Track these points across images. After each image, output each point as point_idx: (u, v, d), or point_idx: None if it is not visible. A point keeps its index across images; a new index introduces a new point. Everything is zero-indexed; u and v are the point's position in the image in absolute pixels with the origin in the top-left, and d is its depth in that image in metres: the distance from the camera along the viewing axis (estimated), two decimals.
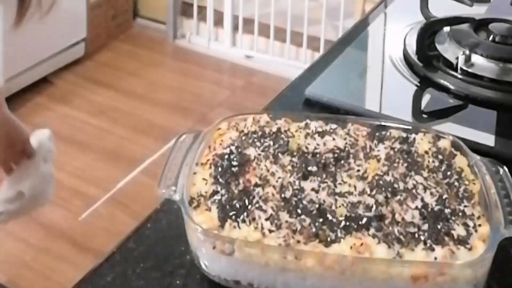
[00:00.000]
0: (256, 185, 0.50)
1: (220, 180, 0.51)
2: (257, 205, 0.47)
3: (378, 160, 0.54)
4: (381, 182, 0.51)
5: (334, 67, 0.78)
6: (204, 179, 0.51)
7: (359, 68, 0.79)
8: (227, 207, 0.47)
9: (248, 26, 2.25)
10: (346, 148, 0.56)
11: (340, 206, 0.47)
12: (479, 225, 0.46)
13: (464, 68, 0.72)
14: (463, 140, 0.56)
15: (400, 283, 0.43)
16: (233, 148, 0.55)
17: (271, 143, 0.56)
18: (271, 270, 0.44)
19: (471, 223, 0.46)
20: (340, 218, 0.46)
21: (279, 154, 0.54)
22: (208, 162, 0.54)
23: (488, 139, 0.63)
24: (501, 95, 0.70)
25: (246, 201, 0.48)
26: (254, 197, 0.48)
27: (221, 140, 0.57)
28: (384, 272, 0.42)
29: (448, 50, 0.75)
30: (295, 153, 0.54)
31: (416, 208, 0.48)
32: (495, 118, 0.69)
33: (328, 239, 0.44)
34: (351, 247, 0.43)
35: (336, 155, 0.54)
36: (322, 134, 0.58)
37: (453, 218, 0.47)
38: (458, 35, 0.77)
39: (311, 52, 2.21)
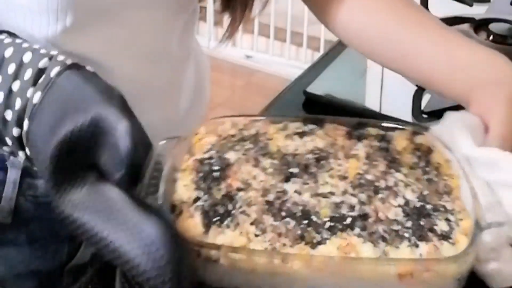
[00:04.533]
0: (239, 189, 0.50)
1: (202, 185, 0.50)
2: (240, 210, 0.47)
3: (358, 159, 0.54)
4: (362, 181, 0.51)
5: (334, 67, 0.77)
6: (185, 185, 0.51)
7: (359, 68, 0.79)
8: (211, 212, 0.47)
9: (248, 26, 2.24)
10: (326, 148, 0.56)
11: (323, 207, 0.47)
12: (461, 220, 0.47)
13: None
14: None
15: (387, 281, 0.43)
16: (213, 152, 0.55)
17: (251, 146, 0.56)
18: (257, 275, 0.44)
19: (452, 218, 0.47)
20: (325, 219, 0.46)
21: (260, 157, 0.54)
22: (188, 168, 0.53)
23: None
24: None
25: (230, 206, 0.47)
26: (237, 202, 0.48)
27: (200, 145, 0.57)
28: (371, 271, 0.42)
29: None
30: (275, 155, 0.54)
31: (399, 205, 0.48)
32: None
33: (314, 240, 0.44)
34: (338, 248, 0.43)
35: (316, 155, 0.54)
36: (301, 135, 0.58)
37: (435, 213, 0.47)
38: None
39: (311, 52, 2.21)
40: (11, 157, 0.65)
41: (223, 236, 0.45)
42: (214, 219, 0.46)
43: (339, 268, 0.43)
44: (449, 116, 0.57)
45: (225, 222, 0.46)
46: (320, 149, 0.56)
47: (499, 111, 0.54)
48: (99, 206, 0.40)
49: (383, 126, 0.61)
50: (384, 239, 0.44)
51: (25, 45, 0.43)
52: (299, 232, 0.45)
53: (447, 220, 0.47)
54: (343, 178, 0.51)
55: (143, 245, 0.36)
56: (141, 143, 0.37)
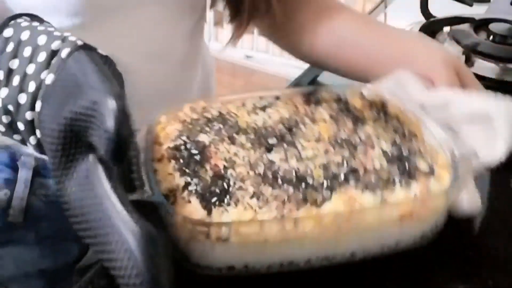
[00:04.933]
0: (225, 168, 0.49)
1: (187, 171, 0.49)
2: (236, 186, 0.46)
3: (326, 122, 0.56)
4: (338, 140, 0.52)
5: None
6: (169, 173, 0.49)
7: None
8: (207, 194, 0.46)
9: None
10: (292, 117, 0.57)
11: (315, 169, 0.48)
12: (436, 158, 0.50)
13: None
14: None
15: (390, 225, 0.45)
16: (184, 138, 0.53)
17: (221, 126, 0.55)
18: (269, 246, 0.44)
19: (428, 157, 0.50)
20: (320, 180, 0.47)
21: (234, 135, 0.53)
22: (164, 157, 0.51)
23: None
24: (501, 95, 0.71)
25: (224, 185, 0.46)
26: (229, 179, 0.47)
27: (166, 134, 0.55)
28: (375, 218, 0.44)
29: (448, 50, 0.74)
30: (248, 131, 0.54)
31: (379, 155, 0.50)
32: None
33: (318, 201, 0.45)
34: (343, 203, 0.44)
35: (286, 125, 0.55)
36: (263, 108, 0.59)
37: (412, 156, 0.50)
38: (458, 35, 0.75)
39: None
40: (22, 157, 0.64)
41: (228, 214, 0.44)
42: (213, 200, 0.45)
43: (347, 222, 0.44)
44: (393, 75, 0.60)
45: (225, 201, 0.45)
46: (287, 118, 0.57)
47: (439, 68, 0.59)
48: (88, 201, 0.39)
49: (334, 90, 0.63)
50: (379, 187, 0.47)
51: (40, 28, 0.42)
52: (301, 195, 0.45)
53: (424, 159, 0.50)
54: (319, 140, 0.53)
55: (124, 250, 0.36)
56: (126, 126, 0.37)
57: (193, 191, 0.46)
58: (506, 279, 0.48)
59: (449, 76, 0.59)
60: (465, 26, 0.81)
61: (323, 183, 0.47)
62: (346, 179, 0.47)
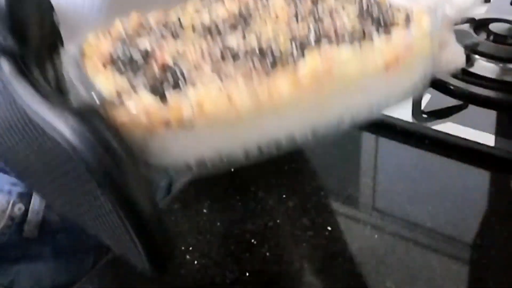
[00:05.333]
0: (175, 61, 0.41)
1: (129, 70, 0.41)
2: (191, 71, 0.39)
3: (281, 7, 0.49)
4: (299, 18, 0.46)
5: None
6: (107, 78, 0.40)
7: None
8: (158, 84, 0.38)
9: None
10: (243, 9, 0.50)
11: (280, 43, 0.41)
12: (411, 11, 0.44)
13: (464, 68, 0.70)
14: (463, 140, 0.56)
15: (376, 77, 0.38)
16: (119, 47, 0.45)
17: (163, 30, 0.47)
18: (243, 124, 0.36)
19: (402, 10, 0.44)
20: (288, 50, 0.40)
21: (178, 31, 0.46)
22: (98, 67, 0.43)
23: (488, 139, 0.61)
24: (501, 95, 0.69)
25: (177, 72, 0.39)
26: (181, 69, 0.40)
27: (97, 49, 0.46)
28: (360, 70, 0.37)
29: None
30: (194, 27, 0.46)
31: (349, 19, 0.44)
32: (495, 118, 0.67)
33: (289, 62, 0.38)
34: (319, 59, 0.37)
35: (237, 17, 0.48)
36: (207, 8, 0.51)
37: (384, 12, 0.44)
38: (458, 35, 0.73)
39: None
40: None
41: (187, 96, 0.36)
42: (166, 87, 0.37)
43: (328, 78, 0.37)
44: None
45: (180, 85, 0.37)
46: (236, 12, 0.49)
47: None
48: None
49: None
50: (355, 39, 0.40)
51: None
52: (269, 63, 0.38)
53: (398, 11, 0.44)
54: (278, 20, 0.46)
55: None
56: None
57: (141, 86, 0.38)
58: (506, 279, 0.45)
59: None
60: (465, 26, 0.79)
61: (292, 51, 0.40)
62: (318, 41, 0.40)
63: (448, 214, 0.50)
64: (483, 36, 0.78)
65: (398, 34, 0.40)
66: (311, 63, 0.37)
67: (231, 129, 0.36)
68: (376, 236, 0.47)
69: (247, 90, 0.36)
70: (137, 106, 0.36)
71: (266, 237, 0.46)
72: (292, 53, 0.39)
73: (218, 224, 0.48)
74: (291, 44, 0.40)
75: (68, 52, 0.45)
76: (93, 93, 0.38)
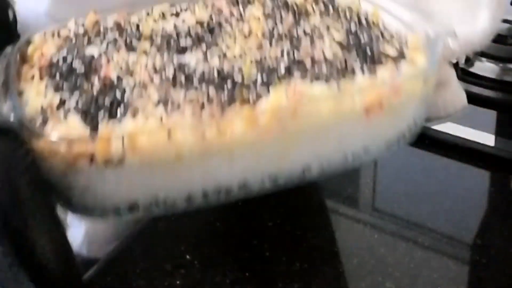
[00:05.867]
0: (120, 79, 0.35)
1: (65, 86, 0.34)
2: (134, 94, 0.32)
3: (258, 19, 0.43)
4: (275, 34, 0.39)
5: None
6: (38, 93, 0.34)
7: None
8: (92, 109, 0.31)
9: None
10: (214, 18, 0.43)
11: (244, 65, 0.35)
12: (406, 41, 0.38)
13: (464, 68, 0.69)
14: (463, 139, 0.56)
15: (353, 122, 0.32)
16: (63, 53, 0.39)
17: (116, 35, 0.41)
18: (184, 165, 0.30)
19: (395, 41, 0.38)
20: (252, 77, 0.34)
21: (133, 42, 0.39)
22: (35, 76, 0.37)
23: (488, 139, 0.60)
24: (501, 95, 0.68)
25: (117, 95, 0.32)
26: (124, 89, 0.33)
27: (41, 53, 0.40)
28: (333, 113, 0.31)
29: None
30: (153, 37, 0.40)
31: (331, 45, 0.37)
32: (495, 118, 0.66)
33: (250, 98, 0.32)
34: (286, 95, 0.31)
35: (205, 26, 0.42)
36: (175, 14, 0.45)
37: (374, 41, 0.38)
38: None
39: None
40: None
41: (121, 127, 0.30)
42: (100, 115, 0.31)
43: (293, 120, 0.30)
44: None
45: (118, 113, 0.31)
46: (206, 21, 0.43)
47: None
48: None
49: None
50: (334, 77, 0.34)
51: None
52: (226, 95, 0.32)
53: (390, 43, 0.38)
54: (250, 36, 0.39)
55: None
56: None
57: (72, 108, 0.32)
58: (506, 279, 0.44)
59: None
60: None
61: (256, 80, 0.33)
62: (289, 72, 0.34)
63: (448, 214, 0.49)
64: None
65: (385, 73, 0.33)
66: (274, 98, 0.31)
67: (170, 169, 0.30)
68: (376, 236, 0.47)
69: (193, 124, 0.29)
70: (59, 132, 0.30)
71: (266, 237, 0.45)
72: (255, 82, 0.33)
73: (218, 224, 0.47)
74: (257, 70, 0.34)
75: (5, 51, 0.39)
76: (13, 104, 0.31)
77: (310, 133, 0.31)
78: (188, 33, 0.39)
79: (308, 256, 0.44)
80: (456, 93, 0.39)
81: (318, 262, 0.44)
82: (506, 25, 0.79)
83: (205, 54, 0.37)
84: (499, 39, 0.75)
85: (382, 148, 0.34)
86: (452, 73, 0.39)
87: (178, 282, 0.42)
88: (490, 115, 0.67)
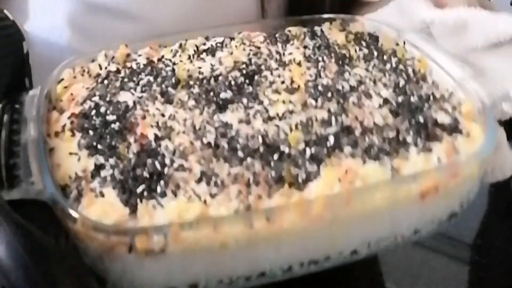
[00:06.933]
0: (158, 138, 0.33)
1: (100, 147, 0.32)
2: (175, 166, 0.30)
3: (299, 64, 0.40)
4: (319, 87, 0.37)
5: None
6: (72, 153, 0.32)
7: None
8: (129, 181, 0.30)
9: None
10: (252, 60, 0.41)
11: (290, 131, 0.33)
12: (459, 104, 0.36)
13: None
14: None
15: (406, 206, 0.30)
16: (96, 99, 0.37)
17: (150, 78, 0.38)
18: (228, 254, 0.28)
19: (447, 105, 0.35)
20: (300, 147, 0.32)
21: (169, 90, 0.37)
22: (66, 129, 0.34)
23: None
24: None
25: (156, 165, 0.30)
26: (164, 156, 0.31)
27: (71, 95, 0.38)
28: (387, 200, 0.29)
29: None
30: (190, 83, 0.38)
31: (380, 106, 0.35)
32: None
33: (299, 179, 0.30)
34: (339, 180, 0.29)
35: (244, 71, 0.39)
36: (210, 51, 0.42)
37: (425, 105, 0.35)
38: None
39: None
40: None
41: (163, 211, 0.28)
42: (138, 190, 0.29)
43: (345, 208, 0.29)
44: (391, 3, 0.45)
45: (158, 189, 0.29)
46: (245, 62, 0.40)
47: None
48: None
49: (304, 22, 0.47)
50: (386, 152, 0.31)
51: None
52: (273, 173, 0.30)
53: (443, 109, 0.35)
54: (293, 90, 0.37)
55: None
56: None
57: (108, 178, 0.30)
58: (506, 279, 0.44)
59: None
60: None
61: (304, 151, 0.31)
62: (338, 144, 0.32)
63: None
64: None
65: (441, 150, 0.31)
66: (326, 181, 0.29)
67: (213, 257, 0.28)
68: None
69: (240, 215, 0.28)
70: (95, 213, 0.28)
71: None
72: (303, 153, 0.31)
73: None
74: (304, 137, 0.32)
75: (32, 95, 0.37)
76: (40, 176, 0.29)
77: (361, 219, 0.29)
78: (228, 84, 0.37)
79: None
80: (506, 158, 0.37)
81: None
82: None
83: (246, 112, 0.34)
84: None
85: (433, 228, 0.32)
86: (503, 135, 0.37)
87: None
88: None
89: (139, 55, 0.42)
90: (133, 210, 0.28)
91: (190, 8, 0.50)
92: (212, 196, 0.29)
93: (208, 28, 0.45)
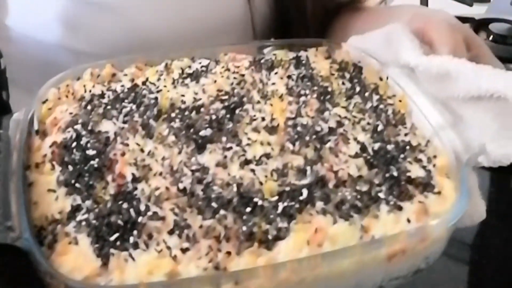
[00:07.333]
0: (135, 179, 0.33)
1: (77, 185, 0.33)
2: (149, 214, 0.31)
3: (281, 97, 0.41)
4: (299, 128, 0.37)
5: None
6: (50, 190, 0.33)
7: None
8: (104, 228, 0.30)
9: None
10: (235, 90, 0.41)
11: (266, 181, 0.33)
12: (434, 157, 0.36)
13: None
14: None
15: (372, 267, 0.31)
16: (78, 127, 0.37)
17: (132, 106, 0.39)
18: None
19: (423, 157, 0.36)
20: (272, 199, 0.32)
21: (151, 121, 0.37)
22: (47, 160, 0.35)
23: None
24: None
25: (131, 212, 0.31)
26: (139, 201, 0.32)
27: (55, 119, 0.38)
28: (355, 262, 0.30)
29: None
30: (172, 114, 0.38)
31: (356, 154, 0.36)
32: None
33: (269, 236, 0.30)
34: (306, 240, 0.30)
35: (226, 103, 0.39)
36: (195, 77, 0.42)
37: (401, 155, 0.36)
38: None
39: None
40: None
41: (134, 265, 0.29)
42: (112, 238, 0.30)
43: (313, 271, 0.30)
44: (384, 29, 0.45)
45: (131, 240, 0.30)
46: (227, 92, 0.41)
47: (440, 27, 0.43)
48: None
49: (290, 45, 0.47)
50: (357, 209, 0.32)
51: None
52: (244, 228, 0.31)
53: (418, 161, 0.36)
54: (272, 129, 0.37)
55: None
56: None
57: (83, 223, 0.31)
58: (506, 279, 0.43)
59: (453, 39, 0.42)
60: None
61: (277, 205, 0.32)
62: (311, 198, 0.32)
63: None
64: (483, 36, 0.78)
65: (411, 211, 0.32)
66: (295, 242, 0.30)
67: None
68: None
69: (208, 276, 0.29)
70: (65, 263, 0.29)
71: None
72: (275, 207, 0.32)
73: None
74: (277, 190, 0.32)
75: (16, 119, 0.37)
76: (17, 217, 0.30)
77: (328, 281, 0.30)
78: (209, 119, 0.37)
79: None
80: (476, 205, 0.38)
81: None
82: (506, 25, 0.79)
83: (224, 154, 0.35)
84: (499, 39, 0.76)
85: (397, 283, 0.33)
86: (475, 182, 0.38)
87: None
88: None
89: (125, 75, 0.43)
90: (105, 262, 0.29)
91: (175, 5, 0.50)
92: (183, 251, 0.29)
93: (194, 49, 0.45)
